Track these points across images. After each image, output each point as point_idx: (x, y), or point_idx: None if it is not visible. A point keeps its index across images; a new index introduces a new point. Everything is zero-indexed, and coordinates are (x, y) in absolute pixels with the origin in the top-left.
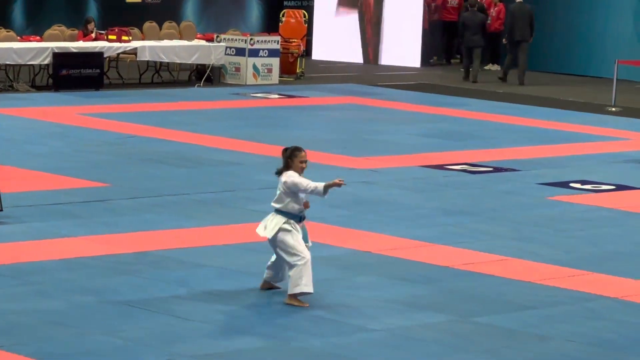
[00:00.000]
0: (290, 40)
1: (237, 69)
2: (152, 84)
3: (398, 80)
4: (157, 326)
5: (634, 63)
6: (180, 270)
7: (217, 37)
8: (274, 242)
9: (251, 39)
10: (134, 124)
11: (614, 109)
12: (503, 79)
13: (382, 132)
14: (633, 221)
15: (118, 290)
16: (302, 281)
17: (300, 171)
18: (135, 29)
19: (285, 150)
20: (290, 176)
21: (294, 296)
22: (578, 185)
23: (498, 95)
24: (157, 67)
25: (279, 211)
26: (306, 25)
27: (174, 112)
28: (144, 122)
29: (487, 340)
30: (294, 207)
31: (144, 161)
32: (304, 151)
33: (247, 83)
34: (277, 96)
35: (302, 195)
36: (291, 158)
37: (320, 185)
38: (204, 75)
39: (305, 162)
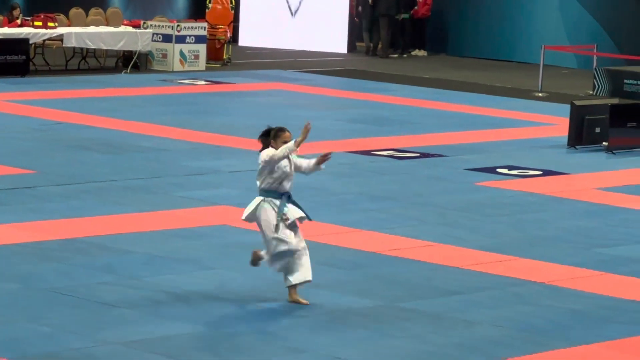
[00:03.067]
0: (217, 26)
1: (164, 56)
2: (79, 71)
3: (325, 66)
4: (83, 313)
5: (560, 48)
6: (107, 257)
7: (144, 23)
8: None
9: (178, 26)
10: (60, 110)
11: (540, 95)
12: (373, 52)
13: (308, 118)
14: (559, 206)
15: (44, 277)
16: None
17: None
18: (62, 15)
19: (267, 131)
20: (267, 153)
21: (294, 288)
22: (505, 171)
23: (424, 80)
24: (84, 54)
25: (261, 191)
26: (233, 11)
27: (100, 99)
28: (70, 108)
29: (414, 326)
30: (269, 182)
31: (71, 148)
32: (288, 132)
33: (174, 69)
34: (204, 82)
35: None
36: (275, 139)
37: (290, 144)
38: (130, 62)
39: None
